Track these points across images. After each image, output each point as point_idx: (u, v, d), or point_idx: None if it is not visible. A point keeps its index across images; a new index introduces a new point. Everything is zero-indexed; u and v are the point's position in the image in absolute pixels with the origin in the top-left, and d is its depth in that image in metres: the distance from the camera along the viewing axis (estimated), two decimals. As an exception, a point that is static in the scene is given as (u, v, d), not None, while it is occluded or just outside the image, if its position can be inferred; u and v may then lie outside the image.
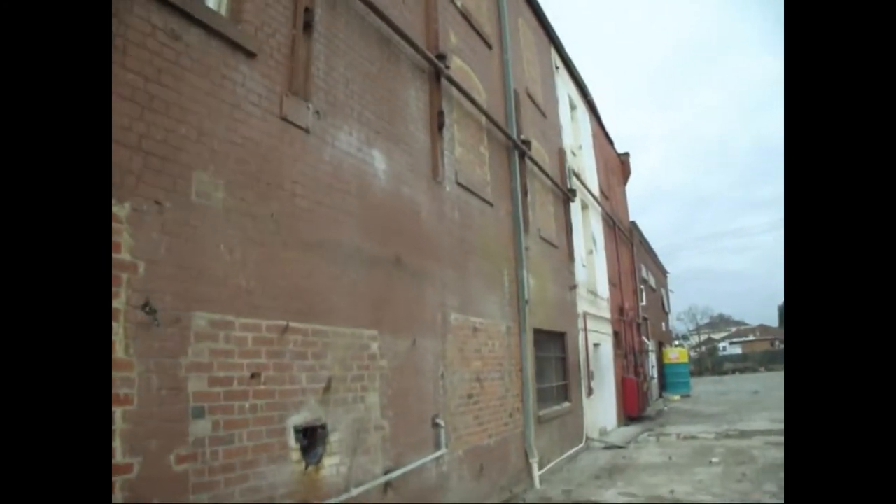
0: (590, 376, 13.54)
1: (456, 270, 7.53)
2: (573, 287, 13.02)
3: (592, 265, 15.98)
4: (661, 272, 34.93)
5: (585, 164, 16.77)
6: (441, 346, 6.92)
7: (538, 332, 10.50)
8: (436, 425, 6.58)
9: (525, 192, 10.44)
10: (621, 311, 19.02)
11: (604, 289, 16.92)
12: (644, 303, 23.74)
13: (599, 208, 17.88)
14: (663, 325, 32.59)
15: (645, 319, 23.63)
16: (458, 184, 8.00)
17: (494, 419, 8.12)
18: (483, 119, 9.20)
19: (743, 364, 54.58)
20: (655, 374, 26.00)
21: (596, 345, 15.16)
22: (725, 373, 51.05)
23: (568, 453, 11.17)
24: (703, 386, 34.06)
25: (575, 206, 14.59)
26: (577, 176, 15.03)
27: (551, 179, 12.35)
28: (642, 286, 24.39)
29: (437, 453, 6.52)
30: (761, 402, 21.29)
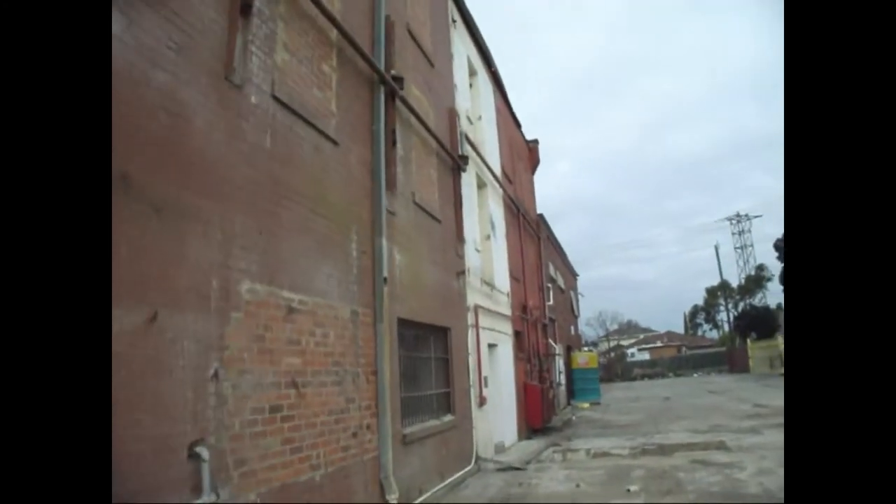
0: (482, 382, 11.22)
1: (257, 219, 4.99)
2: (461, 273, 10.67)
3: (489, 252, 13.74)
4: (570, 273, 33.43)
5: (486, 137, 14.57)
6: (218, 330, 4.36)
7: (407, 325, 8.07)
8: (194, 456, 4.00)
9: (393, 142, 8.00)
10: (524, 309, 16.91)
11: (503, 281, 14.72)
12: (551, 302, 21.83)
13: (501, 191, 15.71)
14: (572, 328, 30.98)
15: (552, 320, 21.71)
16: (276, 98, 5.47)
17: (325, 442, 5.60)
18: (334, 32, 6.72)
19: (652, 370, 54.28)
20: (563, 380, 24.17)
21: (492, 345, 12.89)
22: (635, 378, 50.46)
23: (450, 480, 8.76)
24: (613, 392, 32.72)
25: (469, 180, 12.31)
26: (474, 147, 12.77)
27: (437, 139, 9.99)
28: (549, 285, 22.49)
29: (198, 502, 3.96)
30: (675, 410, 19.72)
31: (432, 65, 10.56)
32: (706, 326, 71.71)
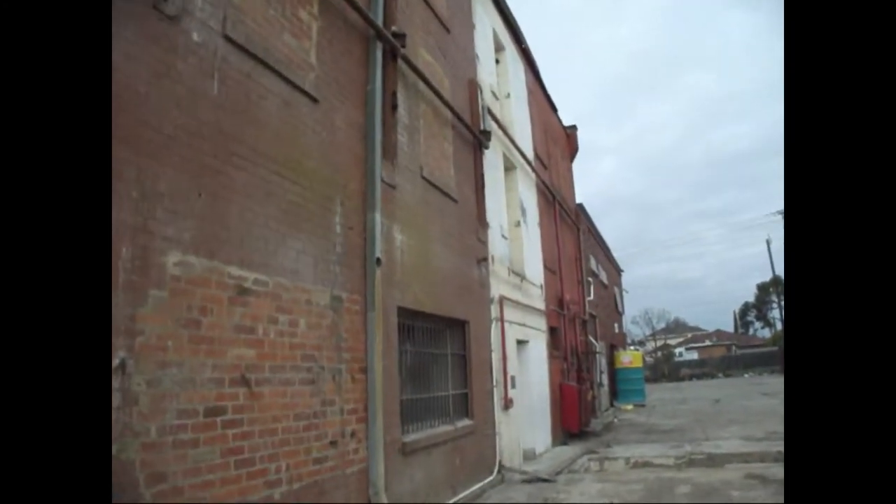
0: (508, 382, 10.11)
1: (195, 178, 4.03)
2: (483, 260, 9.58)
3: (519, 240, 12.60)
4: (614, 269, 31.89)
5: (515, 117, 13.43)
6: (126, 311, 3.41)
7: (413, 315, 7.05)
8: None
9: (393, 106, 6.99)
10: (561, 303, 15.69)
11: (536, 273, 13.55)
12: (592, 297, 20.49)
13: (534, 176, 14.55)
14: (616, 326, 29.46)
15: (593, 317, 20.38)
16: (229, 39, 4.52)
17: (289, 453, 4.61)
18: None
19: (700, 370, 51.91)
20: (605, 381, 22.80)
21: (521, 342, 11.75)
22: (682, 379, 48.29)
23: (464, 493, 7.70)
24: (659, 393, 31.06)
25: (494, 160, 11.21)
26: (501, 126, 11.67)
27: (453, 111, 8.93)
28: (591, 279, 21.14)
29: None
30: (726, 413, 18.18)
31: (448, 30, 9.51)
32: (758, 325, 68.66)
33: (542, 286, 13.94)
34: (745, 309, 69.07)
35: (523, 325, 11.81)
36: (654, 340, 65.05)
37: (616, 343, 27.98)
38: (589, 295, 20.30)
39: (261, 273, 4.52)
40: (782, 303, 53.34)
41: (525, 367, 11.90)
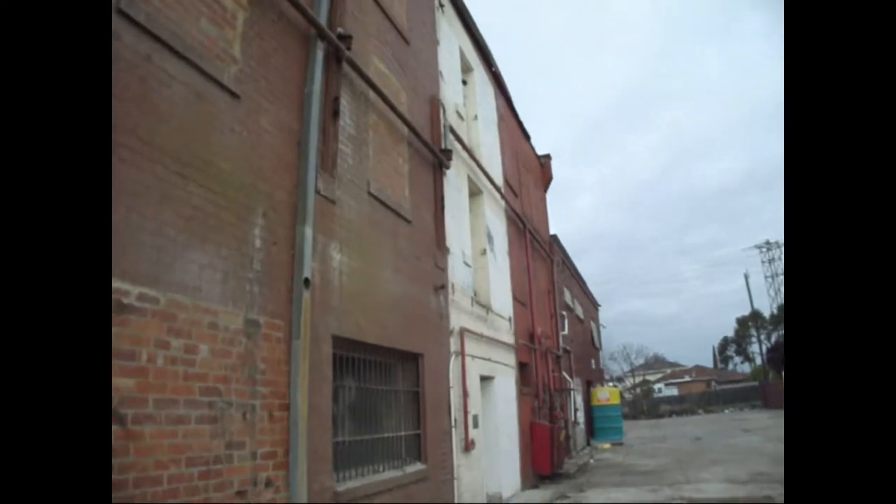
0: (469, 422, 9.30)
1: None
2: (441, 287, 8.86)
3: (485, 269, 11.92)
4: (591, 303, 31.29)
5: (483, 140, 12.89)
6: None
7: (352, 346, 6.28)
8: None
9: (335, 112, 6.33)
10: (532, 337, 14.98)
11: (504, 305, 12.85)
12: (566, 332, 19.80)
13: (503, 202, 13.96)
14: (593, 362, 28.74)
15: (567, 352, 19.65)
16: (123, 14, 3.83)
17: (180, 509, 3.79)
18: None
19: (680, 406, 50.97)
20: (581, 418, 21.99)
21: (487, 378, 10.97)
22: (662, 415, 47.32)
23: (415, 545, 6.84)
24: (638, 430, 30.24)
25: (457, 183, 10.59)
26: (466, 147, 11.09)
27: (410, 126, 8.31)
28: (565, 313, 20.48)
29: None
30: (707, 452, 17.45)
31: (407, 42, 8.95)
32: (737, 359, 68.13)
33: (510, 319, 13.23)
34: (725, 343, 68.68)
35: (488, 359, 11.04)
36: (633, 376, 64.17)
37: (593, 379, 27.23)
38: (563, 329, 19.63)
39: (149, 287, 3.76)
40: (762, 336, 53.17)
41: (491, 405, 11.10)
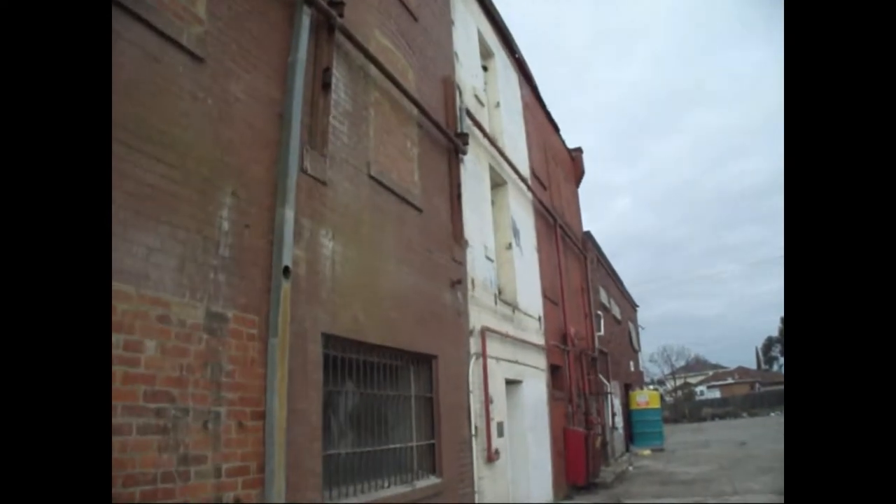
0: (492, 430, 8.51)
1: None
2: (457, 282, 8.11)
3: (510, 265, 11.12)
4: (629, 304, 30.14)
5: (507, 129, 12.10)
6: None
7: (349, 346, 5.57)
8: None
9: (325, 85, 5.65)
10: (564, 338, 14.10)
11: (533, 303, 12.03)
12: (602, 333, 18.83)
13: (530, 195, 13.15)
14: (631, 364, 27.60)
15: (603, 354, 18.68)
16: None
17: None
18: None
19: (723, 409, 49.09)
20: (620, 423, 20.96)
21: (513, 381, 10.17)
22: (704, 419, 45.61)
23: (428, 569, 6.10)
24: (679, 435, 28.95)
25: (478, 172, 9.84)
26: (486, 134, 10.33)
27: (419, 107, 7.61)
28: (600, 313, 19.51)
29: None
30: (754, 459, 16.31)
31: (415, 18, 8.24)
32: (782, 360, 65.84)
33: (540, 318, 12.41)
34: (769, 343, 66.33)
35: (515, 362, 10.24)
36: (674, 379, 62.24)
37: (632, 382, 26.10)
38: (599, 330, 18.66)
39: (69, 276, 3.11)
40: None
41: (518, 412, 10.29)
